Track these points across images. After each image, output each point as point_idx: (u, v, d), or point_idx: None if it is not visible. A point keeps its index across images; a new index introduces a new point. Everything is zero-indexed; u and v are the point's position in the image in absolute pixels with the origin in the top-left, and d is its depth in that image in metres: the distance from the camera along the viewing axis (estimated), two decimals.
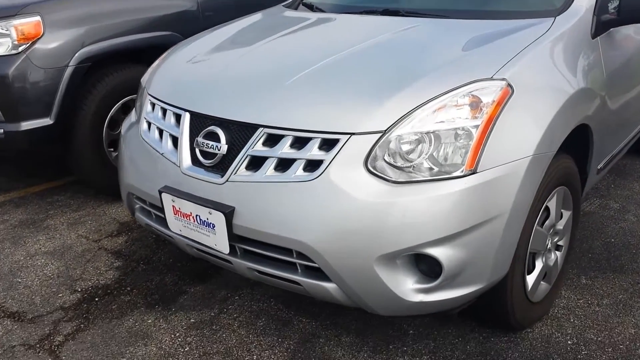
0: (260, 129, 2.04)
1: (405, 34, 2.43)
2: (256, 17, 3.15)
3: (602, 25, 2.59)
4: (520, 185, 1.95)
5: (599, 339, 2.40)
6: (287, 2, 3.35)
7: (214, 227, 2.09)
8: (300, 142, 1.99)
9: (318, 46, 2.49)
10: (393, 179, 1.88)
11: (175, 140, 2.27)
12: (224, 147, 2.08)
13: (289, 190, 1.95)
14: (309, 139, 1.97)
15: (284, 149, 1.99)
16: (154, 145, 2.36)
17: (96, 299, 2.82)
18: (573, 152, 2.47)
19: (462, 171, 1.88)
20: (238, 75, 2.32)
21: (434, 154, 1.90)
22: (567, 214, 2.49)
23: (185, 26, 3.87)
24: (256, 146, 2.04)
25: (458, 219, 1.86)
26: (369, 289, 1.93)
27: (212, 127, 2.13)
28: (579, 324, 2.49)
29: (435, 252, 1.87)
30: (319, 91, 2.08)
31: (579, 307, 2.60)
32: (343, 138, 1.92)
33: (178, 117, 2.29)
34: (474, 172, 1.88)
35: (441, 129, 1.91)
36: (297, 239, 1.92)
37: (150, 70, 2.73)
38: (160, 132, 2.37)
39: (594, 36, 2.53)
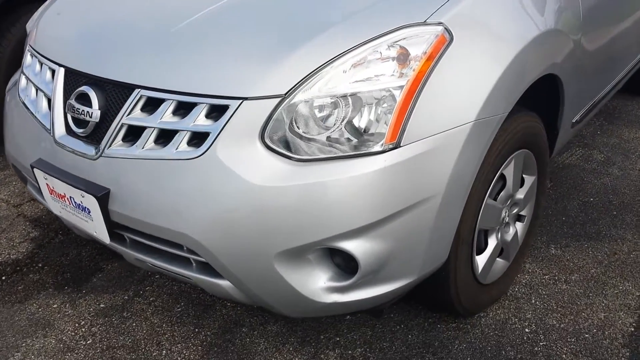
0: (137, 90, 1.62)
1: None
2: None
3: None
4: (457, 159, 1.55)
5: (562, 325, 2.07)
6: None
7: (89, 212, 1.72)
8: (184, 109, 1.58)
9: None
10: (296, 157, 1.49)
11: (50, 102, 1.87)
12: (96, 112, 1.68)
13: (170, 170, 1.56)
14: (194, 104, 1.56)
15: (165, 117, 1.59)
16: (30, 107, 1.96)
17: (3, 278, 2.49)
18: (539, 106, 2.07)
19: (382, 145, 1.48)
20: (121, 22, 1.87)
21: (349, 123, 1.50)
22: (530, 180, 2.10)
23: None
24: (133, 112, 1.63)
25: (376, 206, 1.48)
26: (270, 289, 1.58)
27: (84, 87, 1.72)
28: (540, 306, 2.16)
29: (349, 246, 1.50)
30: (208, 44, 1.64)
31: (543, 285, 2.25)
32: (233, 104, 1.51)
33: (53, 73, 1.88)
34: (396, 147, 1.48)
35: (358, 91, 1.50)
36: (179, 231, 1.55)
37: (36, 13, 2.28)
38: (37, 90, 1.96)
39: None
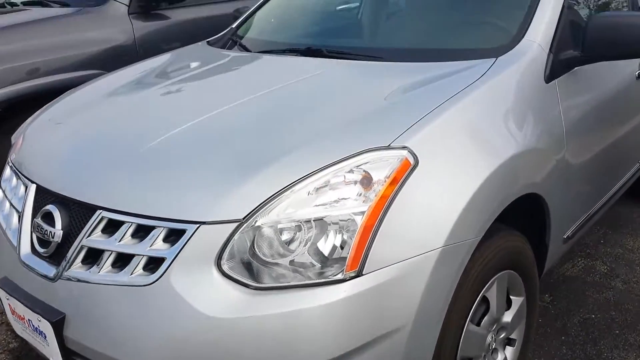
0: (99, 211, 1.59)
1: (304, 84, 1.98)
2: (166, 56, 2.73)
3: (560, 64, 2.12)
4: (426, 286, 1.47)
5: None
6: (217, 36, 2.92)
7: (45, 337, 1.64)
8: (143, 232, 1.54)
9: (195, 101, 2.05)
10: (254, 285, 1.42)
11: (20, 219, 1.84)
12: (58, 232, 1.64)
13: (124, 296, 1.49)
14: (152, 227, 1.51)
15: (124, 240, 1.54)
16: (2, 222, 1.93)
17: None
18: (525, 224, 2.00)
19: (343, 273, 1.41)
20: (95, 140, 1.88)
21: (311, 247, 1.44)
22: (518, 301, 1.99)
23: (119, 63, 3.47)
24: (94, 234, 1.59)
25: (338, 340, 1.39)
26: None
27: (50, 205, 1.70)
28: None
29: None
30: (172, 164, 1.62)
31: None
32: (190, 228, 1.46)
33: (27, 189, 1.87)
34: (358, 275, 1.40)
35: (320, 215, 1.44)
36: None
37: (22, 125, 2.31)
38: (10, 206, 1.94)
39: (548, 79, 2.05)
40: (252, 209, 1.45)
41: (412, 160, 1.51)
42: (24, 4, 3.88)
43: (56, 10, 3.48)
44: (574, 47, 2.16)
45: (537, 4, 2.17)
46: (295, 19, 2.80)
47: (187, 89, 2.19)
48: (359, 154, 1.50)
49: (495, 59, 1.98)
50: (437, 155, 1.56)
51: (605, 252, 3.21)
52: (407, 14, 2.57)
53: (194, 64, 2.47)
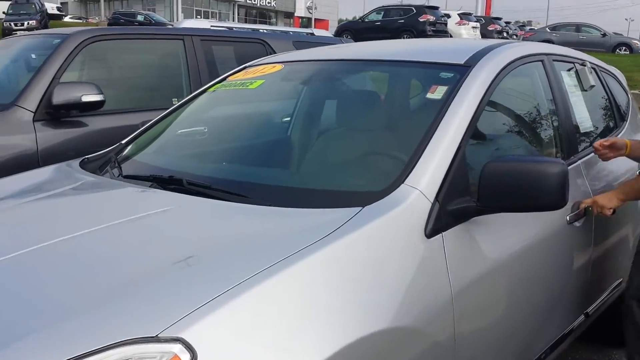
0: None
1: (113, 233, 1.63)
2: (29, 175, 2.41)
3: (452, 215, 1.79)
4: None
5: None
6: (101, 152, 2.62)
7: None
8: None
9: None
10: None
11: None
12: None
13: None
14: None
15: None
16: None
17: None
18: None
19: None
20: None
21: None
22: None
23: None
24: None
25: None
26: None
27: None
28: None
29: None
30: None
31: None
32: None
33: None
34: None
35: None
36: None
37: None
38: None
39: (432, 233, 1.72)
40: None
41: (186, 356, 1.13)
42: None
43: None
44: (472, 195, 1.85)
45: (427, 145, 1.87)
46: (172, 139, 2.52)
47: None
48: (112, 347, 1.13)
49: (360, 208, 1.65)
50: (236, 347, 1.18)
51: None
52: (285, 143, 2.30)
53: (37, 191, 2.15)
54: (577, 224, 2.42)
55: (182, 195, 1.86)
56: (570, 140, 2.62)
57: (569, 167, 2.51)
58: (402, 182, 1.76)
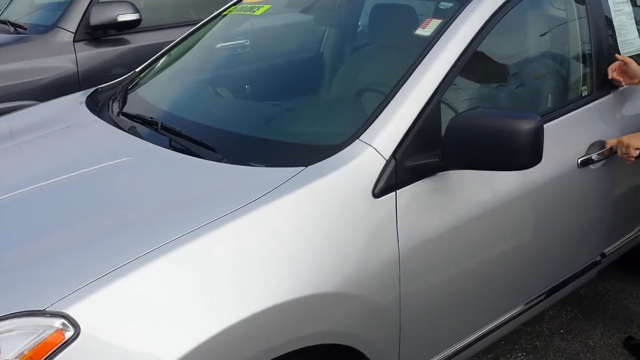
0: None
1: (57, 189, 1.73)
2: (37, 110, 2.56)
3: (410, 172, 1.72)
4: None
5: None
6: (110, 83, 2.71)
7: None
8: None
9: None
10: None
11: None
12: None
13: None
14: None
15: None
16: None
17: None
18: None
19: None
20: None
21: None
22: None
23: (60, 94, 3.40)
24: None
25: None
26: None
27: None
28: None
29: None
30: None
31: None
32: None
33: None
34: None
35: None
36: None
37: None
38: None
39: (380, 193, 1.67)
40: None
41: (69, 332, 1.23)
42: None
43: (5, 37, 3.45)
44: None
45: (394, 95, 1.78)
46: (179, 72, 2.54)
47: None
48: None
49: (303, 168, 1.64)
50: (128, 324, 1.28)
51: (558, 348, 2.73)
52: (257, 89, 2.23)
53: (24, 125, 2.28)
54: (592, 166, 2.24)
55: (148, 144, 1.91)
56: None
57: (599, 101, 2.30)
58: (357, 138, 1.72)
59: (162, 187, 1.65)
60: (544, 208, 2.09)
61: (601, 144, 2.26)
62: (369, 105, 1.82)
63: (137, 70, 2.71)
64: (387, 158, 1.69)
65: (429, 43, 1.90)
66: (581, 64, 2.38)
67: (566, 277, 2.37)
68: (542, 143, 1.65)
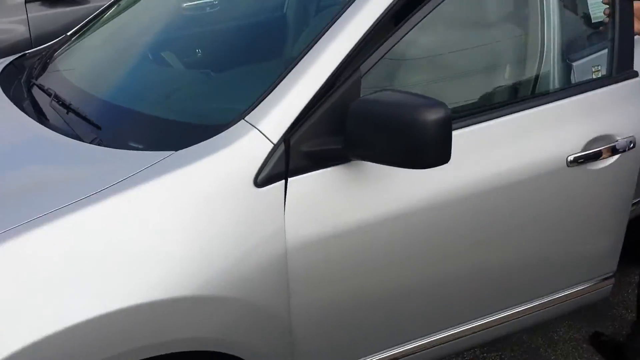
0: None
1: None
2: None
3: (308, 158, 1.51)
4: None
5: None
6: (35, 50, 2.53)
7: None
8: None
9: None
10: None
11: None
12: None
13: None
14: None
15: None
16: None
17: None
18: None
19: None
20: None
21: None
22: None
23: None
24: None
25: None
26: None
27: None
28: None
29: None
30: None
31: None
32: None
33: None
34: None
35: None
36: None
37: None
38: None
39: (265, 182, 1.47)
40: None
41: None
42: None
43: None
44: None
45: (292, 68, 1.55)
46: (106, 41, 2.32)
47: None
48: None
49: (172, 152, 1.44)
50: None
51: (521, 339, 2.52)
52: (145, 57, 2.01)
53: None
54: (589, 167, 1.86)
55: (29, 120, 1.74)
56: None
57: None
58: (242, 118, 1.51)
59: (10, 173, 1.49)
60: (493, 212, 1.77)
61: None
62: (265, 81, 1.59)
63: (68, 34, 2.52)
64: (274, 142, 1.48)
65: (345, 4, 1.63)
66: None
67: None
68: (450, 137, 1.39)
